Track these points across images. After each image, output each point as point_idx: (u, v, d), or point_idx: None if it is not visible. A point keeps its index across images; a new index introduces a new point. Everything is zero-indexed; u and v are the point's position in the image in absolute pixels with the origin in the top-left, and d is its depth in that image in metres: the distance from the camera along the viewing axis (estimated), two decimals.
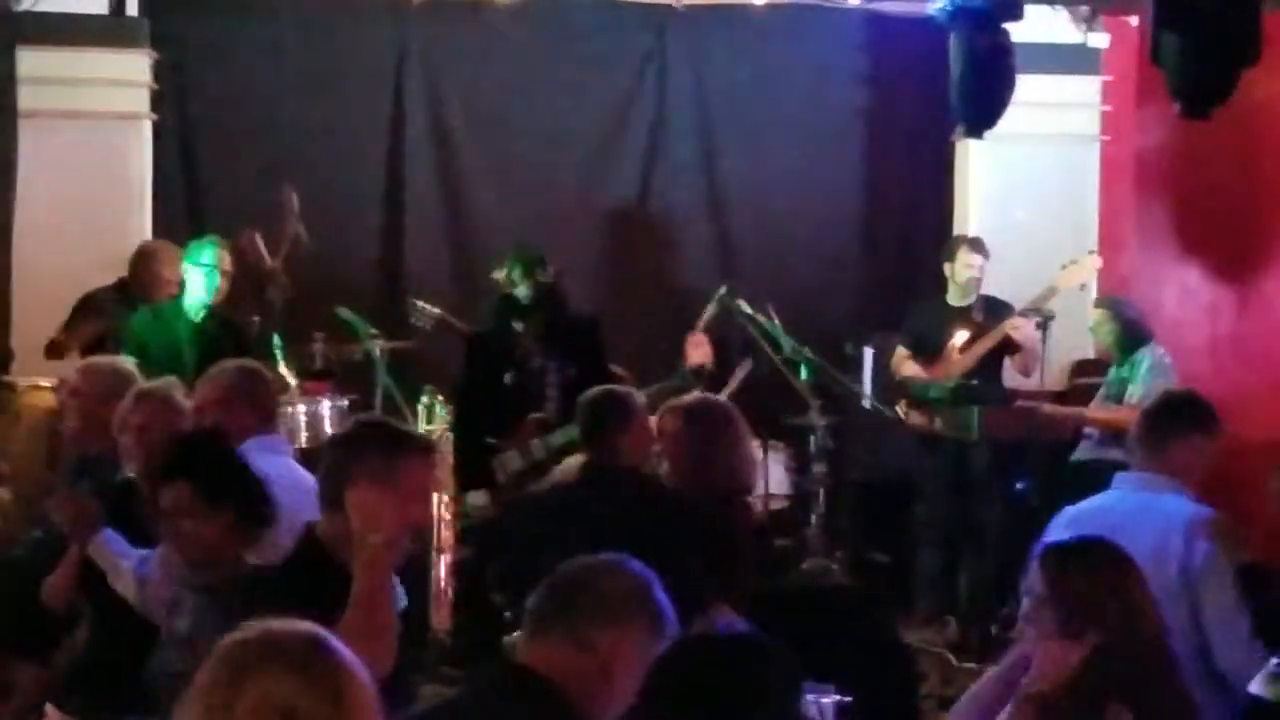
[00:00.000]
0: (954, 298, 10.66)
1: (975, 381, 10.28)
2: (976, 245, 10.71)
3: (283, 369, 9.52)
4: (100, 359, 7.52)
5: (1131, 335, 10.18)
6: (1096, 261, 10.85)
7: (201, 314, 9.45)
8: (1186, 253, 11.69)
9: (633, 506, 6.18)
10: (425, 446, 4.92)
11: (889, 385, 10.80)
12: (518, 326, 9.61)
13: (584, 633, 3.80)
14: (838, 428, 10.69)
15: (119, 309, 10.02)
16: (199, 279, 9.49)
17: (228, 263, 9.54)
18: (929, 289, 11.14)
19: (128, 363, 7.26)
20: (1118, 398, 10.10)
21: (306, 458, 9.79)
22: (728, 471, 6.55)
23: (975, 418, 10.02)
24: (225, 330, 9.47)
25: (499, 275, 9.85)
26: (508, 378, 9.00)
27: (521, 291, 9.65)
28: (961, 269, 10.61)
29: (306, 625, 2.95)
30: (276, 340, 9.63)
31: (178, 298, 9.68)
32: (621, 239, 12.13)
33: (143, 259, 10.26)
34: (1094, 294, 11.27)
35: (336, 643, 2.93)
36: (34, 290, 10.71)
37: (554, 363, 9.12)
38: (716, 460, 6.53)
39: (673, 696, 3.56)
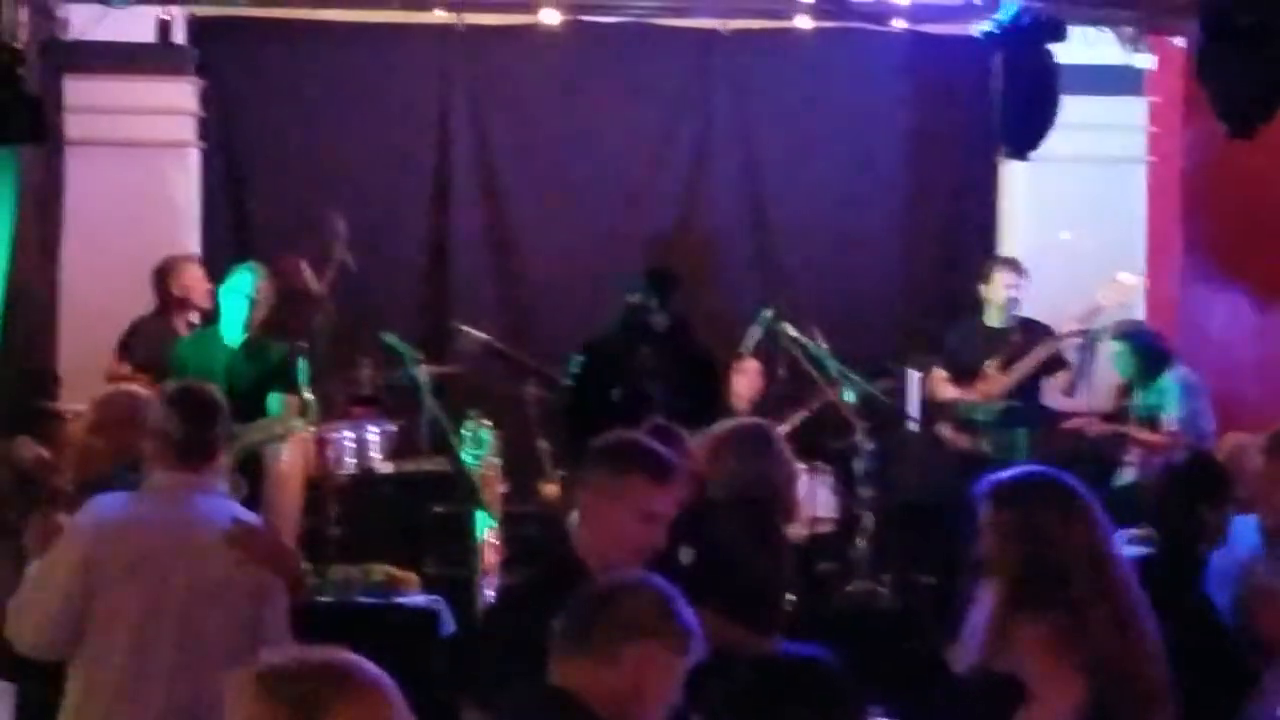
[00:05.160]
0: (992, 319, 10.64)
1: (1019, 403, 10.25)
2: (1012, 265, 10.71)
3: (307, 394, 9.54)
4: (111, 389, 7.54)
5: (1152, 361, 10.15)
6: (1139, 279, 10.80)
7: (239, 340, 9.48)
8: (1234, 274, 11.63)
9: None
10: (655, 469, 4.95)
11: (934, 407, 10.78)
12: (644, 349, 9.61)
13: (609, 649, 3.82)
14: (884, 450, 10.67)
15: (164, 335, 10.08)
16: (235, 306, 9.52)
17: (264, 291, 9.57)
18: (974, 310, 11.13)
19: (138, 390, 7.30)
20: (1149, 424, 10.08)
21: (356, 484, 9.91)
22: (747, 488, 6.48)
23: (1023, 440, 9.98)
24: (261, 356, 9.48)
25: (633, 298, 9.83)
26: (615, 393, 8.97)
27: (657, 319, 9.63)
28: (998, 289, 10.59)
29: (343, 652, 2.96)
30: (303, 365, 9.66)
31: (216, 324, 9.70)
32: (666, 262, 12.14)
33: (155, 276, 10.38)
34: (1141, 313, 11.22)
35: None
36: (81, 318, 10.78)
37: (669, 393, 9.07)
38: (735, 477, 6.47)
39: (740, 716, 3.56)
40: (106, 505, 5.65)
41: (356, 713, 2.84)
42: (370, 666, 2.94)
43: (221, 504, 5.68)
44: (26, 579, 5.60)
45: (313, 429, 9.79)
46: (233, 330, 9.51)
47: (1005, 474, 4.77)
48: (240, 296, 9.54)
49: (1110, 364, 10.54)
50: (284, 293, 10.04)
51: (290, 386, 9.39)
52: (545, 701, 3.87)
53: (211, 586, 5.47)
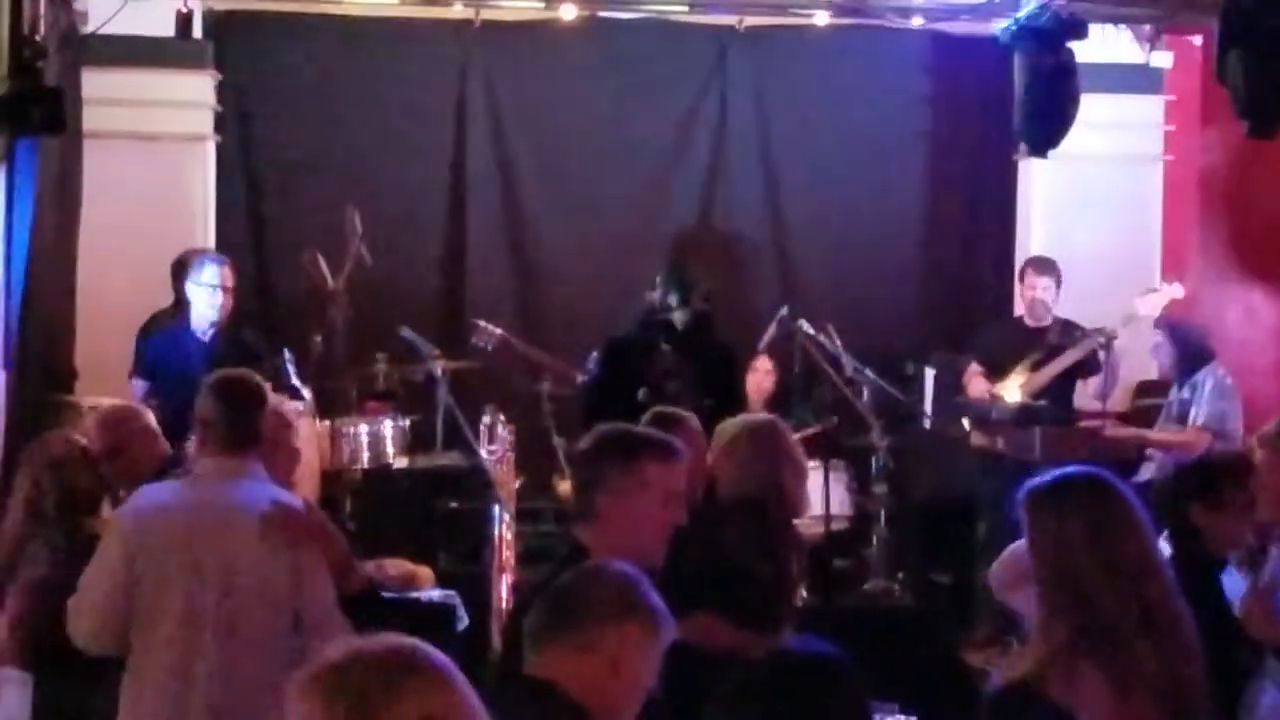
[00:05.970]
0: (1028, 318, 10.63)
1: (1043, 402, 10.23)
2: (1042, 266, 10.67)
3: (295, 382, 9.53)
4: (104, 407, 7.57)
5: (1191, 357, 10.08)
6: (1178, 290, 10.72)
7: (209, 333, 9.45)
8: (1250, 273, 11.61)
9: None
10: (664, 448, 4.93)
11: (951, 405, 10.76)
12: (665, 347, 9.60)
13: (582, 635, 3.82)
14: (899, 448, 10.66)
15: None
16: (202, 298, 9.50)
17: (229, 280, 9.55)
18: (991, 309, 11.09)
19: (126, 406, 7.35)
20: (1180, 419, 10.02)
21: (371, 479, 9.91)
22: (756, 485, 6.45)
23: (1039, 439, 9.96)
24: (233, 348, 9.45)
25: (653, 296, 9.84)
26: (642, 394, 8.96)
27: (678, 317, 9.63)
28: (1026, 290, 10.59)
29: (405, 638, 2.95)
30: (287, 355, 9.64)
31: (186, 320, 9.67)
32: (684, 259, 12.12)
33: (173, 271, 10.38)
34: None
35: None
36: (98, 310, 10.76)
37: (691, 390, 9.06)
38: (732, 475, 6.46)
39: (750, 712, 3.55)
40: (149, 494, 5.87)
41: (421, 700, 2.83)
42: (435, 652, 2.93)
43: (264, 488, 5.77)
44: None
45: (324, 423, 9.78)
46: (203, 323, 9.47)
47: (1039, 479, 4.64)
48: (209, 288, 9.50)
49: (1135, 361, 10.53)
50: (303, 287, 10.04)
51: (269, 376, 9.37)
52: (524, 693, 3.85)
53: (249, 569, 5.59)
